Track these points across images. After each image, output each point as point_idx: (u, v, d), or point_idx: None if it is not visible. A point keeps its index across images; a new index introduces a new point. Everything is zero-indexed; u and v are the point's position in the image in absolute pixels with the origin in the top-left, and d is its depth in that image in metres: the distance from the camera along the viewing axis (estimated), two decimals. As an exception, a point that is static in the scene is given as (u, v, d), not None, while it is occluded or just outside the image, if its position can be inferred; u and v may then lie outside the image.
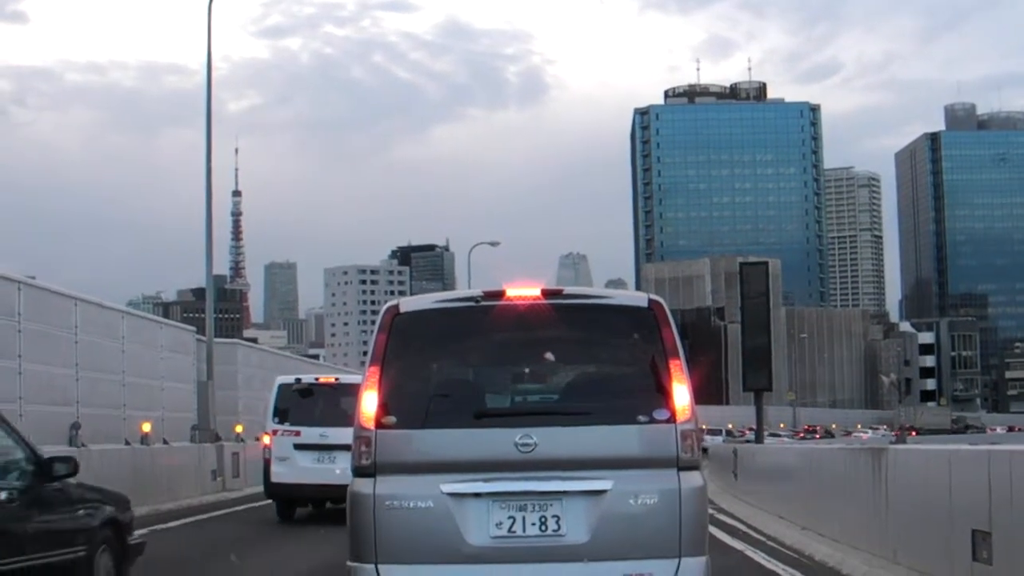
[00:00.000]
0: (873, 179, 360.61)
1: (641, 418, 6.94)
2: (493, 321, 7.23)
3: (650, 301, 7.25)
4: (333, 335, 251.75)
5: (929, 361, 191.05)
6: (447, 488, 6.75)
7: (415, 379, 7.23)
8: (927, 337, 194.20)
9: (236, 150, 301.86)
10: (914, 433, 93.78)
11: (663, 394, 6.95)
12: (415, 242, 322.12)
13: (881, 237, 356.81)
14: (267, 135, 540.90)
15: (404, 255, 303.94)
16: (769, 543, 15.59)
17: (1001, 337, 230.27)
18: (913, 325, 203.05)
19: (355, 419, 7.01)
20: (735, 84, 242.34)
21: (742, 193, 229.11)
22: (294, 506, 20.11)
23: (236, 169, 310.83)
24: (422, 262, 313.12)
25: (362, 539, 6.82)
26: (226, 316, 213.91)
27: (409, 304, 7.34)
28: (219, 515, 21.42)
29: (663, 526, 6.76)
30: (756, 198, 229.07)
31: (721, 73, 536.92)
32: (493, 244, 67.41)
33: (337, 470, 17.66)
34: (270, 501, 20.49)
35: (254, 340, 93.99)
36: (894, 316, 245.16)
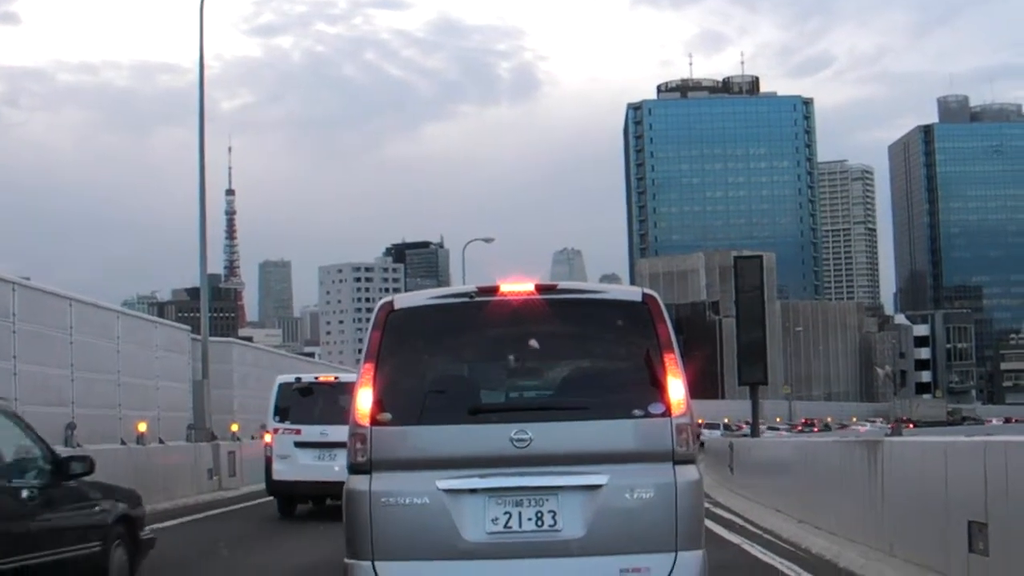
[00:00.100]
0: (867, 172, 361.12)
1: (636, 412, 6.93)
2: (487, 317, 7.23)
3: (644, 295, 7.25)
4: (328, 333, 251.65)
5: (924, 353, 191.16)
6: (443, 484, 6.75)
7: (410, 375, 7.23)
8: (922, 329, 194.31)
9: (229, 149, 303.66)
10: (911, 426, 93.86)
11: (658, 388, 6.95)
12: (409, 239, 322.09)
13: (875, 230, 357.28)
14: (260, 133, 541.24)
15: (398, 252, 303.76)
16: (766, 536, 15.59)
17: (996, 329, 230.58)
18: (908, 317, 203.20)
19: (350, 416, 7.01)
20: (728, 78, 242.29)
21: (735, 187, 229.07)
22: (295, 503, 20.46)
23: (229, 168, 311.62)
24: (416, 259, 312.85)
25: (359, 536, 6.83)
26: (221, 315, 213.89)
27: (403, 301, 7.34)
28: (216, 514, 21.42)
29: (659, 520, 6.75)
30: (750, 192, 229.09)
31: (714, 67, 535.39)
32: (487, 240, 67.41)
33: (336, 467, 17.74)
34: (267, 499, 20.62)
35: (249, 339, 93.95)
36: (889, 309, 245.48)
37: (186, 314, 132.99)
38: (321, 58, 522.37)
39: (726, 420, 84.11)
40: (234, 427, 30.20)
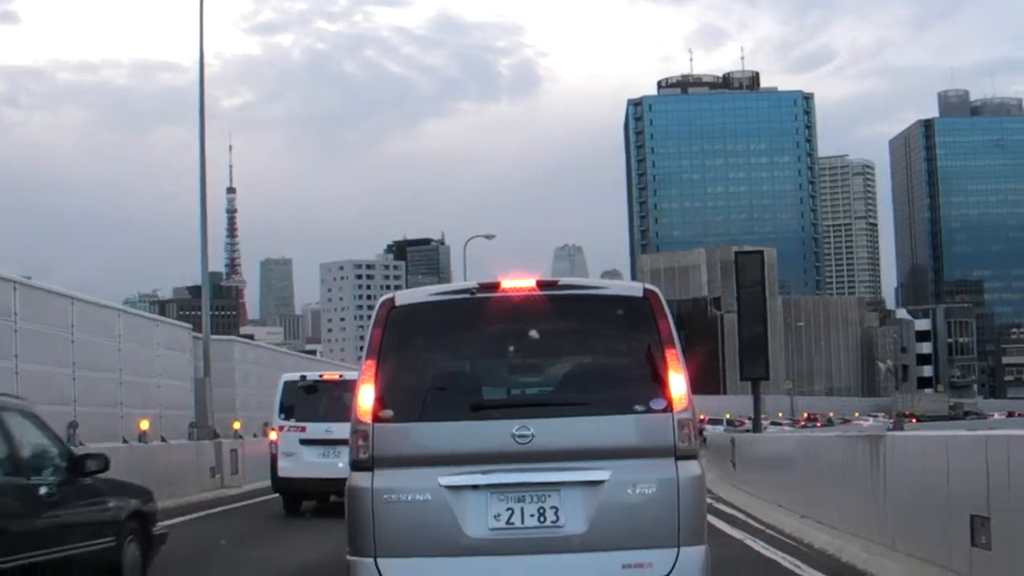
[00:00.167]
0: (867, 167, 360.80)
1: (638, 408, 6.93)
2: (489, 313, 7.22)
3: (645, 291, 7.25)
4: (330, 330, 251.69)
5: (926, 348, 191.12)
6: (445, 481, 6.74)
7: (411, 372, 7.23)
8: (923, 324, 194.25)
9: (230, 147, 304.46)
10: (914, 420, 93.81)
11: (660, 383, 6.94)
12: (410, 236, 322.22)
13: (876, 224, 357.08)
14: (260, 131, 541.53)
15: (400, 249, 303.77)
16: (768, 531, 15.59)
17: (997, 323, 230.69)
18: (909, 312, 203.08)
19: (352, 413, 7.01)
20: (728, 74, 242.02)
21: (736, 183, 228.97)
22: (300, 500, 20.59)
23: (230, 166, 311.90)
24: (418, 256, 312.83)
25: (361, 533, 6.83)
26: (222, 313, 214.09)
27: (404, 297, 7.33)
28: (219, 511, 21.45)
29: (661, 516, 6.75)
30: (750, 187, 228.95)
31: (714, 63, 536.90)
32: (489, 237, 67.17)
33: (341, 464, 17.72)
34: (270, 497, 20.71)
35: (251, 337, 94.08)
36: (890, 303, 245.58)
37: (188, 312, 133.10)
38: (321, 56, 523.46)
39: (728, 415, 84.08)
40: (236, 425, 30.22)
